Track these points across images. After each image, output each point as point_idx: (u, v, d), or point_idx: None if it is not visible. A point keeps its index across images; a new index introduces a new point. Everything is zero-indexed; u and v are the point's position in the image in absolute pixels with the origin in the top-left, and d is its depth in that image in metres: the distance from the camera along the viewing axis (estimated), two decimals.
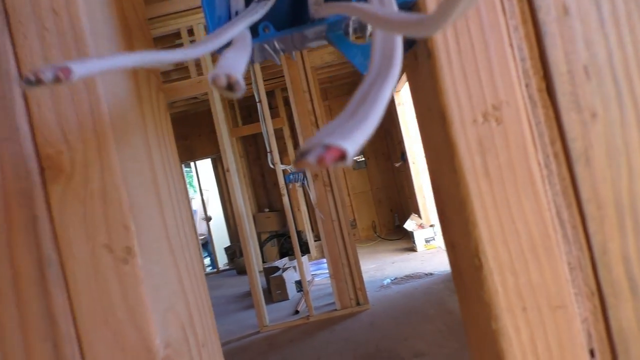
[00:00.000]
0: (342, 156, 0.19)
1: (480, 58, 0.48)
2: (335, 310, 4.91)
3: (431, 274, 5.62)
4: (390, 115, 8.11)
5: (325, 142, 0.20)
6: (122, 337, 0.48)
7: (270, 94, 7.55)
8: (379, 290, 5.43)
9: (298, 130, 4.99)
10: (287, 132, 8.01)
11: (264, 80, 6.45)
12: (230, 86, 0.26)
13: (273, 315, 5.19)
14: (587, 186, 0.48)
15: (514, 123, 0.48)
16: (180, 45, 4.71)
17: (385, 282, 5.68)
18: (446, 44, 0.48)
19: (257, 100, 4.83)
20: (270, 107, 5.14)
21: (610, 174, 0.48)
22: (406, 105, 7.33)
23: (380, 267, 6.55)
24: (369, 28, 0.57)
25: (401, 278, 5.74)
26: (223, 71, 0.27)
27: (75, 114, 0.48)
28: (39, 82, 0.25)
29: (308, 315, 4.84)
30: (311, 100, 5.01)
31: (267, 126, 4.71)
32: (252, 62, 0.62)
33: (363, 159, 9.17)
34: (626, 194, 0.48)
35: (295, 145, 8.14)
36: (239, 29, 0.47)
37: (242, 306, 6.07)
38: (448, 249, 0.61)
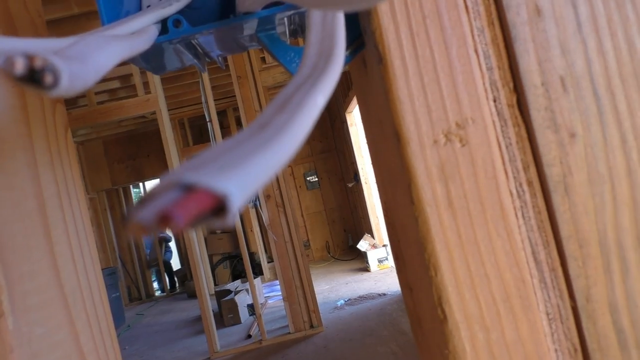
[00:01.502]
0: (217, 205, 0.10)
1: (441, 65, 0.40)
2: (289, 333, 4.79)
3: (384, 294, 5.58)
4: (343, 135, 8.11)
5: (186, 180, 0.10)
6: None
7: (221, 114, 7.41)
8: (332, 312, 5.33)
9: None
10: None
11: (215, 100, 6.31)
12: (34, 75, 0.16)
13: (224, 341, 5.01)
14: (566, 220, 0.40)
15: (481, 144, 0.40)
16: None
17: (339, 304, 5.59)
18: (400, 48, 0.40)
19: (207, 120, 4.69)
20: (222, 127, 5.00)
21: (593, 206, 0.40)
22: (359, 126, 7.33)
23: (334, 287, 6.46)
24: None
25: (355, 299, 5.67)
26: (20, 50, 0.16)
27: None
28: None
29: (261, 340, 4.70)
30: None
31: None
32: (158, 69, 0.52)
33: (316, 179, 9.10)
34: (611, 229, 0.40)
35: None
36: (143, 22, 0.37)
37: (192, 331, 5.86)
38: (405, 291, 0.52)
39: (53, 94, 0.17)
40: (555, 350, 0.40)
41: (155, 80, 4.57)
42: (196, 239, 4.77)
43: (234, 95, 5.29)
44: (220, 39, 0.45)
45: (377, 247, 6.96)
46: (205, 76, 4.74)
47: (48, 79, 0.17)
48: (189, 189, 0.10)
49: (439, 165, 0.39)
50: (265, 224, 4.81)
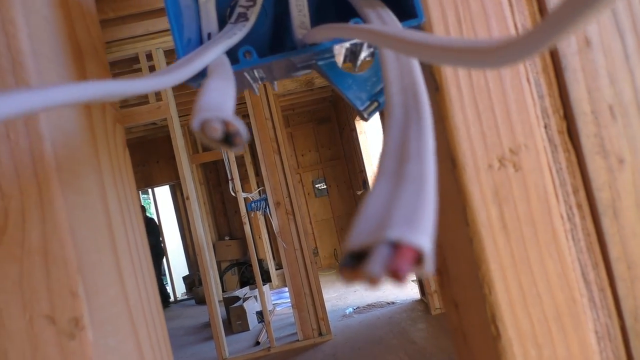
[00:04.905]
0: (418, 258, 0.12)
1: (495, 93, 0.42)
2: (297, 341, 4.79)
3: (393, 302, 5.57)
4: (352, 143, 8.12)
5: (391, 237, 0.12)
6: None
7: None
8: (341, 320, 5.33)
9: (260, 158, 4.92)
10: (248, 159, 7.90)
11: None
12: (229, 137, 0.19)
13: (233, 347, 5.02)
14: (615, 243, 0.42)
15: (534, 169, 0.42)
16: (139, 70, 4.58)
17: (347, 311, 5.59)
18: (456, 76, 0.42)
19: None
20: None
21: None
22: (368, 134, 7.35)
23: (342, 295, 6.46)
24: (362, 56, 0.50)
25: (363, 307, 5.66)
26: (214, 114, 0.19)
27: (10, 154, 0.39)
28: None
29: (269, 347, 4.70)
30: (273, 127, 4.96)
31: (229, 153, 4.62)
32: None
33: (325, 186, 9.12)
34: None
35: (257, 172, 8.03)
36: (215, 53, 0.39)
37: (200, 338, 5.86)
38: (449, 307, 0.53)
39: (236, 150, 0.19)
40: None
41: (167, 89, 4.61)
42: (205, 246, 4.79)
43: (244, 103, 5.33)
44: (277, 66, 0.48)
45: None
46: None
47: (239, 141, 0.19)
48: (395, 246, 0.12)
49: (494, 189, 0.41)
50: (275, 232, 4.83)
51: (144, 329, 0.49)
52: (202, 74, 0.39)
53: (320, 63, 0.47)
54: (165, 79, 0.31)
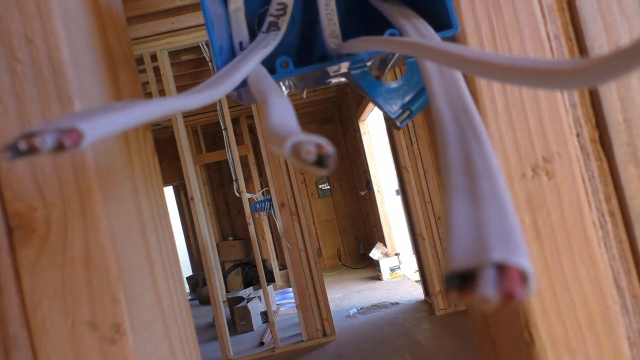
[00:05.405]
0: (524, 279, 0.13)
1: (529, 103, 0.42)
2: (302, 341, 4.79)
3: (397, 303, 5.57)
4: (355, 143, 8.12)
5: (496, 259, 0.13)
6: None
7: (234, 121, 7.47)
8: (345, 320, 5.33)
9: (264, 158, 4.93)
10: (251, 159, 7.91)
11: (229, 107, 6.37)
12: (321, 160, 0.19)
13: (237, 348, 5.02)
14: None
15: (567, 177, 0.42)
16: (143, 71, 4.59)
17: (351, 312, 5.60)
18: (490, 87, 0.43)
19: (222, 128, 4.73)
20: (235, 134, 5.04)
21: None
22: (371, 134, 7.35)
23: (346, 296, 6.46)
24: (390, 65, 0.51)
25: (367, 307, 5.66)
26: (306, 137, 0.19)
27: (52, 163, 0.40)
28: (32, 151, 0.17)
29: (274, 347, 4.71)
30: None
31: (233, 154, 4.63)
32: (251, 102, 0.55)
33: (328, 187, 9.13)
34: None
35: (260, 173, 8.05)
36: (254, 64, 0.40)
37: (205, 338, 5.87)
38: (476, 312, 0.54)
39: (326, 172, 0.20)
40: None
41: (171, 88, 4.62)
42: (210, 246, 4.80)
43: None
44: (311, 76, 0.48)
45: (389, 255, 6.95)
46: None
47: (332, 163, 0.20)
48: (501, 267, 0.13)
49: (527, 198, 0.42)
50: (280, 232, 4.84)
51: (176, 333, 0.50)
52: (241, 84, 0.40)
53: (353, 72, 0.48)
54: (215, 92, 0.32)
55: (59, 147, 0.18)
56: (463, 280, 0.13)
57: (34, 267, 0.40)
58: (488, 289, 0.13)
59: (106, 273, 0.40)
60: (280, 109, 0.25)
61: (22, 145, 0.17)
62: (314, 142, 0.19)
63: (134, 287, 0.43)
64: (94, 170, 0.41)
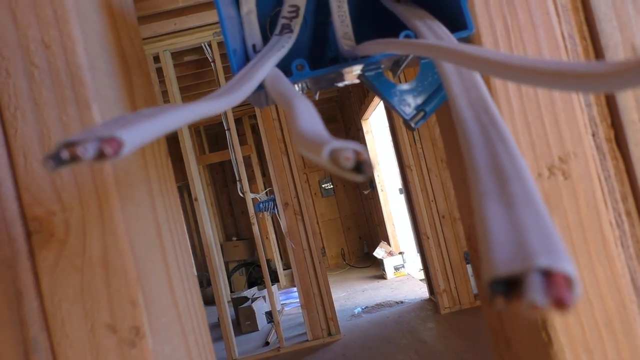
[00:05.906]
0: (569, 285, 0.13)
1: (544, 103, 0.42)
2: (307, 341, 4.80)
3: (402, 302, 5.57)
4: (358, 143, 8.11)
5: (542, 265, 0.13)
6: None
7: (237, 121, 7.47)
8: (350, 320, 5.34)
9: (268, 159, 4.93)
10: (254, 160, 7.91)
11: (232, 108, 6.36)
12: (359, 166, 0.19)
13: (242, 348, 5.03)
14: None
15: (583, 177, 0.42)
16: None
17: (356, 311, 5.60)
18: (506, 88, 0.43)
19: (225, 128, 4.74)
20: (238, 134, 5.05)
21: None
22: (374, 133, 7.34)
23: (351, 295, 6.46)
24: (403, 66, 0.51)
25: (372, 307, 5.66)
26: (344, 144, 0.19)
27: (71, 168, 0.40)
28: (74, 159, 0.17)
29: (279, 347, 4.71)
30: (281, 128, 4.98)
31: (237, 155, 4.63)
32: (266, 104, 0.55)
33: (331, 186, 9.13)
34: None
35: (264, 173, 8.05)
36: (269, 67, 0.40)
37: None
38: (490, 312, 0.54)
39: (362, 179, 0.20)
40: None
41: (174, 89, 4.62)
42: (214, 247, 4.81)
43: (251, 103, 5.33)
44: (326, 77, 0.48)
45: (393, 254, 6.95)
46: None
47: (369, 169, 0.20)
48: (548, 274, 0.13)
49: (544, 198, 0.42)
50: (284, 232, 4.84)
51: (192, 334, 0.50)
52: (257, 87, 0.40)
53: (367, 74, 0.48)
54: (236, 96, 0.32)
55: (100, 156, 0.18)
56: (508, 287, 0.13)
57: (53, 271, 0.40)
58: (537, 295, 0.13)
59: (125, 276, 0.40)
60: (307, 114, 0.25)
61: (65, 155, 0.17)
62: (352, 149, 0.19)
63: (152, 289, 0.43)
64: (111, 174, 0.41)
